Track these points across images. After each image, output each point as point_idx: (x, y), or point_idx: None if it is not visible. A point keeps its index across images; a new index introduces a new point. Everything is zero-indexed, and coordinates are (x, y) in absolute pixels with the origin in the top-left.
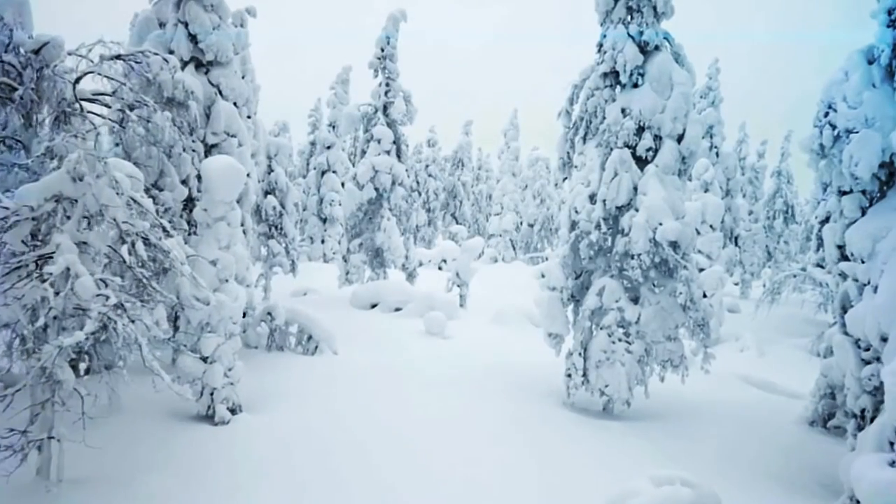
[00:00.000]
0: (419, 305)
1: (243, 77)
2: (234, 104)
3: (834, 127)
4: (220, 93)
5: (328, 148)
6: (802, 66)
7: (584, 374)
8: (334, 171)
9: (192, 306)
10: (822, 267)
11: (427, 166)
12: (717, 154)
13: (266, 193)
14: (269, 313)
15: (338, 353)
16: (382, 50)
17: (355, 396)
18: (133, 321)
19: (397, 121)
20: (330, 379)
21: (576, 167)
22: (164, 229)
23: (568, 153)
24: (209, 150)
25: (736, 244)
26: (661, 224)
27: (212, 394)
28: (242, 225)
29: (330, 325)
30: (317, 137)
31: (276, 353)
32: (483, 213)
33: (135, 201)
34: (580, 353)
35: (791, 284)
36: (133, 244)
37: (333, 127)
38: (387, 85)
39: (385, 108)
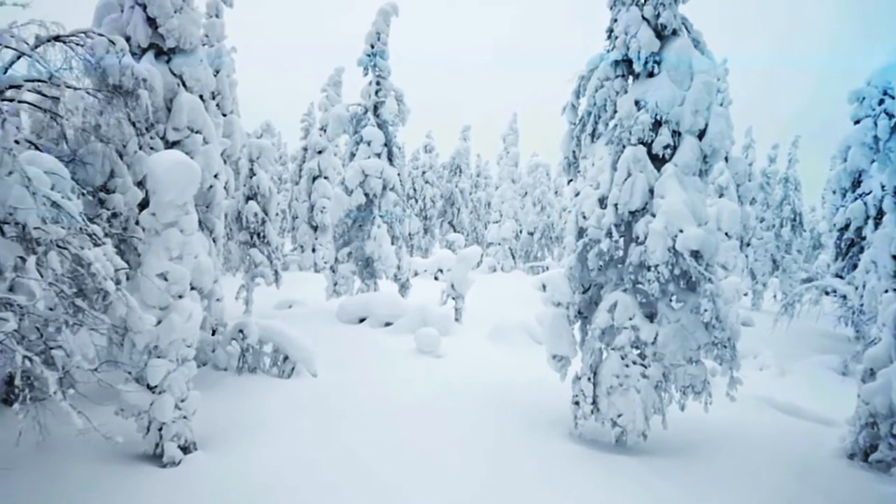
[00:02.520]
0: (411, 320)
1: (218, 71)
2: (201, 97)
3: (892, 116)
4: (184, 84)
5: (319, 153)
6: (804, 80)
7: (594, 402)
8: (326, 177)
9: (133, 328)
10: (841, 277)
11: (424, 173)
12: (727, 158)
13: (247, 199)
14: (241, 331)
15: (317, 375)
16: (372, 46)
17: (330, 428)
18: (51, 348)
19: (388, 121)
20: (304, 406)
21: (579, 172)
22: (94, 237)
23: (573, 152)
24: (171, 147)
25: (744, 253)
26: (681, 231)
27: (160, 430)
28: (212, 232)
29: (310, 343)
30: (308, 142)
31: (248, 375)
32: (482, 221)
33: (54, 203)
34: (589, 378)
35: (812, 296)
36: (45, 254)
37: (325, 131)
38: (377, 84)
39: (375, 108)
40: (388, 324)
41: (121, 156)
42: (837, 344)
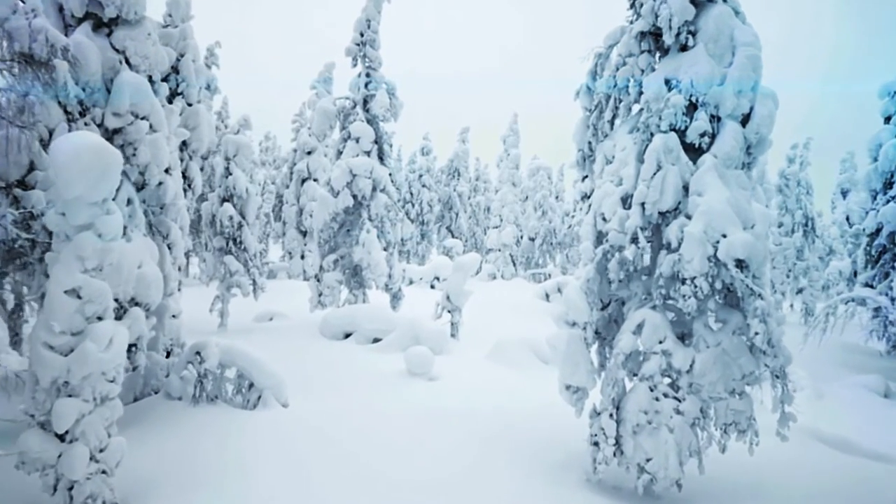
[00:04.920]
0: (402, 336)
1: (182, 55)
2: (149, 78)
3: None
4: (128, 61)
5: (309, 153)
6: (805, 82)
7: (617, 443)
8: (315, 179)
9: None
10: (871, 286)
11: (421, 176)
12: None
13: (222, 201)
14: (198, 353)
15: (288, 405)
16: (362, 35)
17: (297, 475)
18: None
19: (379, 116)
20: (268, 447)
21: (585, 176)
22: None
23: (589, 143)
24: (111, 136)
25: None
26: (724, 236)
27: (70, 489)
28: (167, 237)
29: (280, 367)
30: (298, 143)
31: (206, 406)
32: (481, 227)
33: None
34: (611, 414)
35: (849, 310)
36: None
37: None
38: (367, 75)
39: (365, 101)
40: (376, 340)
41: (45, 145)
42: (869, 360)
